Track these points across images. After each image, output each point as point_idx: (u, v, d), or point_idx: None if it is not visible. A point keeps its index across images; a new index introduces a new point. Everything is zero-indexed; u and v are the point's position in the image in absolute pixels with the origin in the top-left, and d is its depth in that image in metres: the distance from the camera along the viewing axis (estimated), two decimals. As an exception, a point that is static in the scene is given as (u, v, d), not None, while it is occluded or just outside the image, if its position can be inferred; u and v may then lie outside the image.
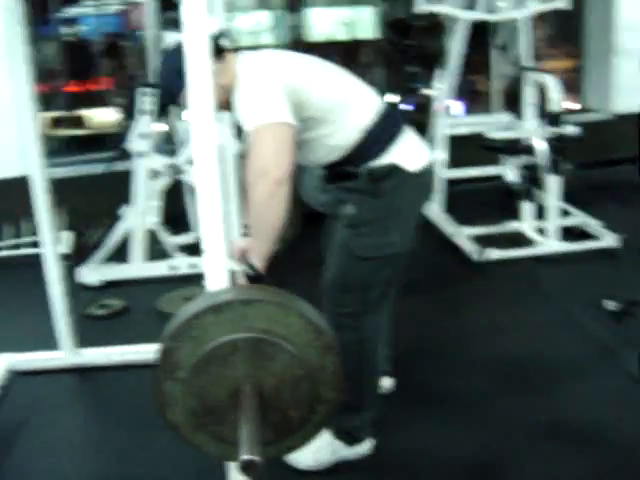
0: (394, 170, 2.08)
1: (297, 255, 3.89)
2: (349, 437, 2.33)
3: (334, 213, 2.23)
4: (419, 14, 4.42)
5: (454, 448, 2.44)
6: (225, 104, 2.08)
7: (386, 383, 2.70)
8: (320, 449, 2.31)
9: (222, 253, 1.71)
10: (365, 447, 2.37)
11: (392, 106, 2.19)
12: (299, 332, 1.58)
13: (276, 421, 1.65)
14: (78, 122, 6.51)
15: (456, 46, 4.53)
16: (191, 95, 1.58)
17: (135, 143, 4.02)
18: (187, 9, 1.46)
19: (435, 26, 4.96)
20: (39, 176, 2.80)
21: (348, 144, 2.08)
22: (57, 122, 6.40)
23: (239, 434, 1.46)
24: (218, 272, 1.72)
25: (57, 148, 6.35)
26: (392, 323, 2.57)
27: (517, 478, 2.30)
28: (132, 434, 2.63)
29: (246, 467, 1.38)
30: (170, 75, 2.14)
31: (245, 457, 1.38)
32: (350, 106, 2.09)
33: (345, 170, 2.11)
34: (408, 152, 2.12)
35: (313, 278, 2.29)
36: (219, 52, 2.02)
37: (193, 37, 1.48)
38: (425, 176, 2.18)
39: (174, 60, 2.10)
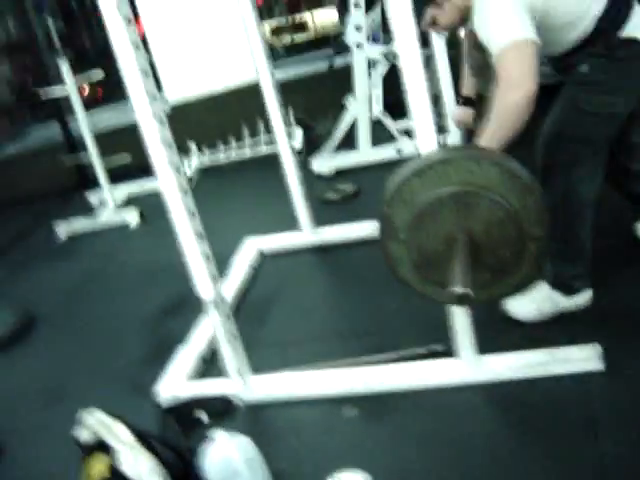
0: (632, 42, 2.12)
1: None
2: (566, 287, 2.41)
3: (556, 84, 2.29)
4: None
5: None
6: (458, 23, 2.26)
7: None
8: (541, 300, 2.44)
9: (431, 129, 1.92)
10: (584, 298, 2.43)
11: None
12: (498, 180, 1.76)
13: (491, 263, 1.85)
14: (301, 27, 6.81)
15: None
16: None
17: (351, 35, 4.19)
18: None
19: None
20: (267, 79, 3.12)
21: (586, 33, 2.14)
22: (280, 30, 6.76)
23: (452, 272, 1.68)
24: (428, 142, 1.93)
25: (282, 53, 6.75)
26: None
27: None
28: (365, 299, 2.93)
29: (460, 298, 1.60)
30: None
31: (459, 289, 1.61)
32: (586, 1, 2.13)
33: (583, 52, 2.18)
34: None
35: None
36: None
37: None
38: None
39: None
